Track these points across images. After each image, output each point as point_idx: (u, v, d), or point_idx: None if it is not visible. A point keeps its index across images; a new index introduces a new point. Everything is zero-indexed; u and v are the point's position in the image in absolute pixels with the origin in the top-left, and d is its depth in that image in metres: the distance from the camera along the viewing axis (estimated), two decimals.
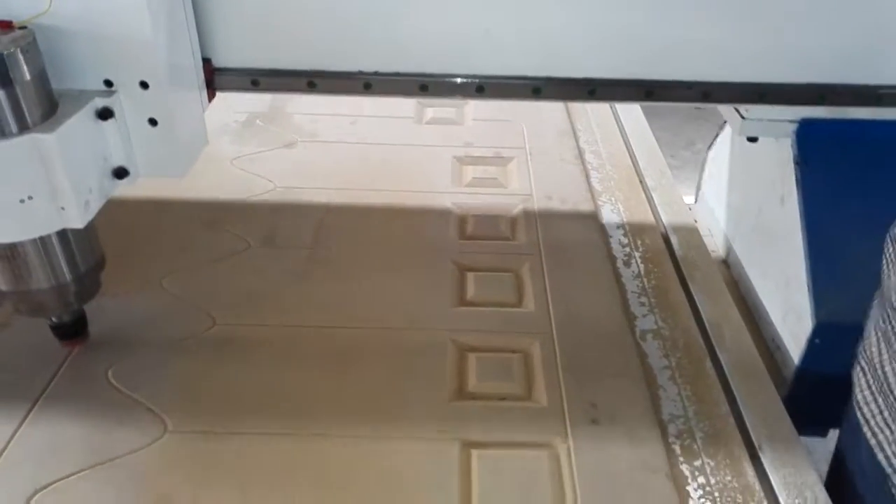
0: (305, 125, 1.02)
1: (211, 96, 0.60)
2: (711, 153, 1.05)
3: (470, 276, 0.72)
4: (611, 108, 1.12)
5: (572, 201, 0.85)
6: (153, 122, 0.52)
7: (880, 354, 0.51)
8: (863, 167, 0.72)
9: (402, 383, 0.59)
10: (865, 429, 0.52)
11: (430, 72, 0.59)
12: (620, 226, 0.82)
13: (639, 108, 1.12)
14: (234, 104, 1.05)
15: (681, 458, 0.54)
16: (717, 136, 1.02)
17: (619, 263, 0.76)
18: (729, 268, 0.92)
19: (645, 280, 0.73)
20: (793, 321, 0.72)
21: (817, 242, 0.69)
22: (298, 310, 0.67)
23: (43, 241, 0.51)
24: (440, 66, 0.59)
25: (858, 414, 0.53)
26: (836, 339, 0.66)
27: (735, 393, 0.59)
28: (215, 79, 0.60)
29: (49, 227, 0.49)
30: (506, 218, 0.82)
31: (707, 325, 0.66)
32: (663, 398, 0.59)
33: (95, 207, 0.51)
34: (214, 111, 1.00)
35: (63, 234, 0.52)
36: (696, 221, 0.87)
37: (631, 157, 0.98)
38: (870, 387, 0.52)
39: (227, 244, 0.76)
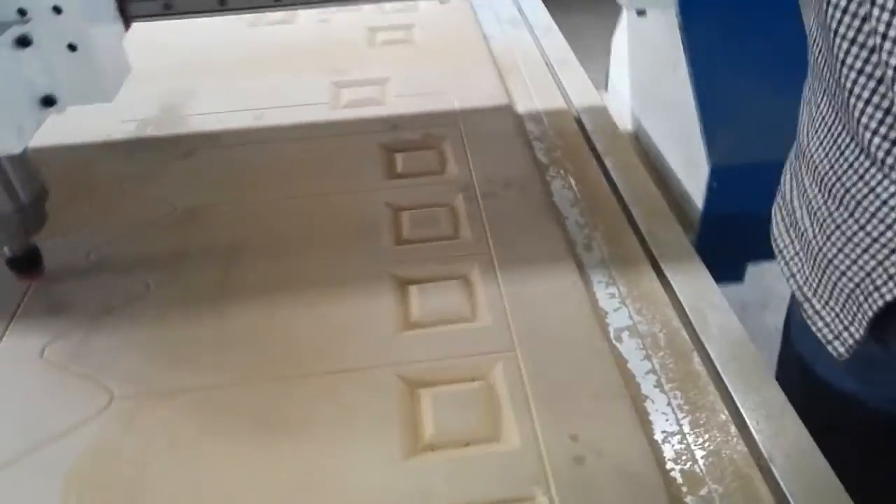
0: (205, 127, 0.88)
1: (127, 26, 0.61)
2: (614, 41, 1.10)
3: (413, 290, 0.62)
4: (546, 64, 1.01)
5: (518, 182, 0.75)
6: (72, 47, 0.53)
7: (791, 190, 0.55)
8: (739, 25, 0.79)
9: (346, 443, 0.49)
10: (779, 259, 0.57)
11: None
12: (574, 203, 0.73)
13: (577, 62, 1.02)
14: (120, 112, 0.91)
15: (684, 489, 0.46)
16: (616, 24, 1.08)
17: (580, 249, 0.66)
18: (639, 140, 0.99)
19: (611, 267, 0.63)
20: (694, 172, 0.79)
21: (706, 97, 0.77)
22: (213, 366, 0.56)
23: None
24: None
25: (773, 245, 0.58)
26: (731, 180, 0.75)
27: (733, 395, 0.51)
28: (128, 6, 0.60)
29: None
30: (446, 211, 0.71)
31: (690, 315, 0.58)
32: (652, 412, 0.51)
33: (30, 134, 0.53)
34: (97, 122, 0.87)
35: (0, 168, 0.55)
36: (606, 106, 0.91)
37: (576, 119, 0.88)
38: (783, 220, 0.56)
39: (122, 289, 0.64)
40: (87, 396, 0.54)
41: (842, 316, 0.51)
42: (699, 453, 0.48)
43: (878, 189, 0.44)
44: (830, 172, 0.48)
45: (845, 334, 0.51)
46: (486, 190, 0.74)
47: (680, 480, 0.46)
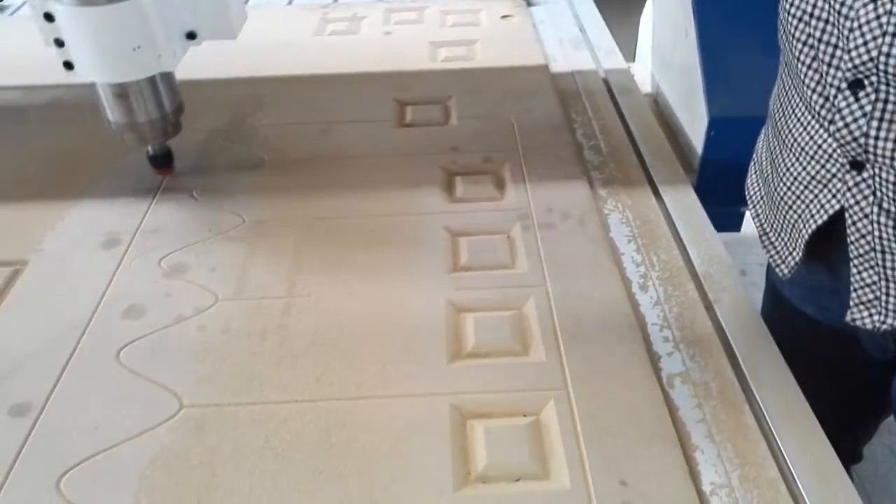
0: (272, 139, 0.91)
1: None
2: (643, 19, 1.31)
3: (468, 319, 0.64)
4: (608, 91, 1.02)
5: (575, 214, 0.76)
6: None
7: (761, 148, 0.69)
8: None
9: (400, 469, 0.51)
10: (749, 204, 0.72)
11: None
12: (631, 239, 0.73)
13: (639, 89, 1.03)
14: (193, 119, 0.95)
15: None
16: (643, 9, 1.29)
17: (636, 288, 0.67)
18: (657, 102, 1.18)
19: (666, 310, 0.64)
20: (697, 124, 0.96)
21: (709, 57, 0.94)
22: (276, 382, 0.59)
23: (140, 86, 0.72)
24: None
25: (746, 195, 0.73)
26: (727, 130, 0.93)
27: (783, 451, 0.52)
28: None
29: (152, 69, 0.72)
30: (503, 240, 0.73)
31: (743, 365, 0.58)
32: (701, 462, 0.52)
33: (180, 57, 0.74)
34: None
35: (154, 81, 0.73)
36: (633, 75, 1.05)
37: (635, 148, 0.88)
38: (755, 172, 0.71)
39: (191, 298, 0.67)
40: (159, 402, 0.57)
41: (787, 243, 0.65)
42: None
43: (815, 136, 0.57)
44: (785, 126, 0.61)
45: (789, 258, 0.65)
46: (544, 220, 0.75)
47: None
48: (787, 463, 0.51)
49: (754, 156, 0.72)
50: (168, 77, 0.75)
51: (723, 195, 0.87)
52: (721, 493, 0.49)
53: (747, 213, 0.98)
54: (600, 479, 0.50)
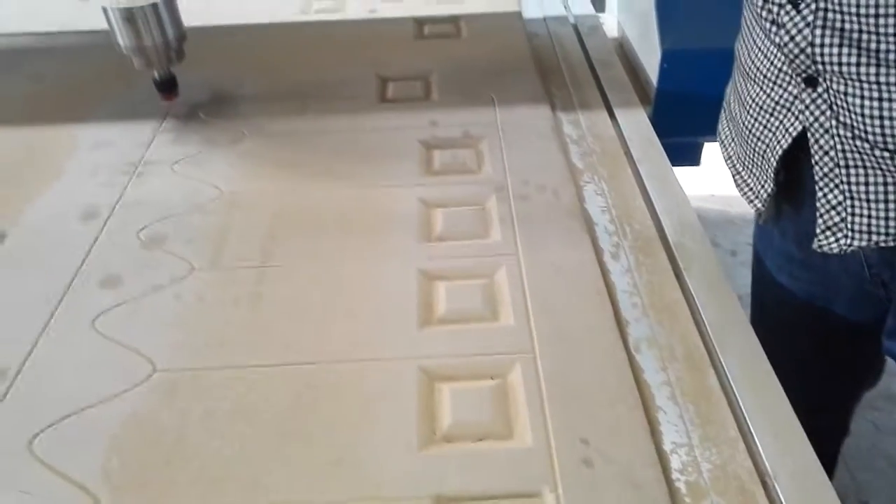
0: (252, 114, 0.92)
1: None
2: None
3: (440, 286, 0.64)
4: (588, 62, 1.02)
5: (551, 186, 0.76)
6: None
7: (730, 95, 0.71)
8: None
9: (368, 430, 0.52)
10: (721, 150, 0.74)
11: None
12: (606, 210, 0.74)
13: (619, 64, 1.03)
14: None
15: (687, 500, 0.47)
16: None
17: (607, 257, 0.68)
18: (622, 45, 1.23)
19: (637, 278, 0.65)
20: (653, 59, 1.02)
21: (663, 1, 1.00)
22: (249, 349, 0.59)
23: (145, 11, 0.78)
24: None
25: (719, 142, 0.75)
26: (679, 62, 0.97)
27: (744, 411, 0.53)
28: None
29: None
30: (478, 211, 0.73)
31: (709, 330, 0.59)
32: (663, 422, 0.52)
33: None
34: (153, 105, 0.90)
35: (157, 9, 0.79)
36: (602, 24, 1.16)
37: (614, 122, 0.89)
38: (725, 118, 0.74)
39: (168, 268, 0.68)
40: (132, 367, 0.58)
41: (758, 176, 0.66)
42: (705, 466, 0.49)
43: (774, 60, 0.58)
44: (748, 59, 0.62)
45: (761, 191, 0.66)
46: (520, 192, 0.75)
47: (684, 491, 0.48)
48: (747, 423, 0.52)
49: (724, 103, 0.74)
50: (171, 6, 0.80)
51: (678, 125, 0.95)
52: (681, 452, 0.50)
53: (706, 146, 1.09)
54: (562, 438, 0.50)
